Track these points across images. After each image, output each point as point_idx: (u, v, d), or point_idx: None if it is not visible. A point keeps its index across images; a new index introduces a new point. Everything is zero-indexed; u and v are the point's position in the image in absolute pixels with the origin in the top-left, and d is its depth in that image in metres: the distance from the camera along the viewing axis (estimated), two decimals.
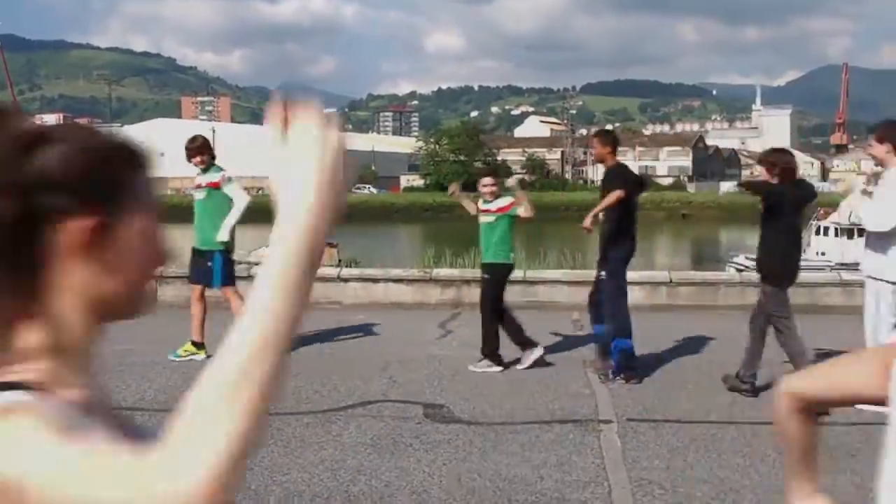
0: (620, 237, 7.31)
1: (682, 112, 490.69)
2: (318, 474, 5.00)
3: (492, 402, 6.54)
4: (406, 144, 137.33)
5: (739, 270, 18.30)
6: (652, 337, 8.41)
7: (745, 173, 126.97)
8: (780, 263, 6.71)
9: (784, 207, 6.62)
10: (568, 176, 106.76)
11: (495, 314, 7.67)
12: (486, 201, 7.88)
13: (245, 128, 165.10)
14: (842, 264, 25.85)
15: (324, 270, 12.72)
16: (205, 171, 8.08)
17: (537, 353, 7.64)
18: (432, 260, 15.56)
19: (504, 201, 7.83)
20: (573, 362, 7.88)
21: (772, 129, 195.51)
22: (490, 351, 7.64)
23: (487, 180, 7.92)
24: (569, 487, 4.80)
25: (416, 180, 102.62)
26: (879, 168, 6.43)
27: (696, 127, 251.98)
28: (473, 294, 11.23)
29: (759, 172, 7.11)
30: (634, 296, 11.02)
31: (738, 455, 5.34)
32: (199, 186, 8.12)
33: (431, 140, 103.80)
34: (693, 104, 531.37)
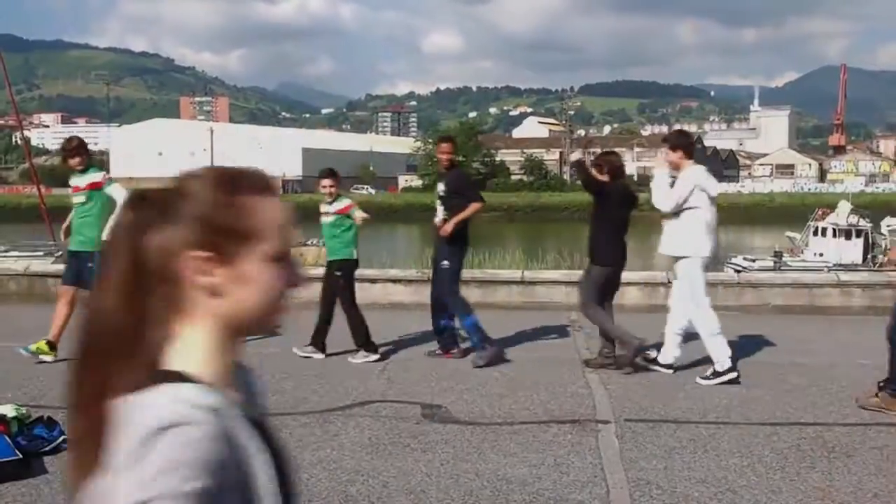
0: (462, 233, 8.08)
1: (680, 113, 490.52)
2: (315, 474, 5.00)
3: (490, 402, 6.54)
4: (404, 145, 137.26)
5: (737, 271, 18.30)
6: (650, 337, 8.41)
7: (744, 174, 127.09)
8: (610, 250, 7.70)
9: (612, 201, 7.67)
10: (566, 177, 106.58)
11: (353, 306, 8.09)
12: (327, 202, 8.19)
13: (243, 128, 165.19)
14: (839, 265, 25.88)
15: (321, 271, 12.71)
16: (83, 172, 7.89)
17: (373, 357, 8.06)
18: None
19: (342, 203, 8.17)
20: (571, 362, 7.88)
21: (770, 130, 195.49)
22: (364, 340, 8.02)
23: (327, 182, 8.19)
24: (567, 488, 4.80)
25: (415, 181, 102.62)
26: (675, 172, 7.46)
27: (694, 128, 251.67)
28: (471, 294, 11.24)
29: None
30: (633, 296, 11.06)
31: (736, 455, 5.34)
32: (77, 189, 7.88)
33: (430, 141, 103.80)
34: (691, 105, 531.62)
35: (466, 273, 11.51)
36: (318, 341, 8.11)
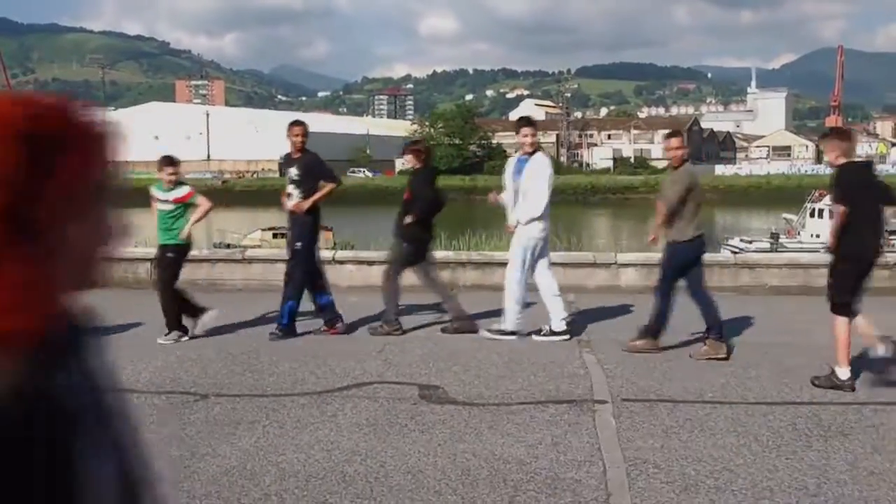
0: (316, 216, 8.43)
1: (677, 95, 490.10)
2: (313, 455, 5.02)
3: (487, 383, 6.56)
4: (401, 128, 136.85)
5: (734, 252, 18.32)
6: (646, 317, 8.41)
7: (741, 156, 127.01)
8: (419, 229, 8.40)
9: (427, 182, 8.55)
10: (563, 159, 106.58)
11: (174, 289, 8.15)
12: (164, 189, 8.16)
13: (239, 111, 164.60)
14: None
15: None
16: None
17: (212, 315, 8.20)
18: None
19: (181, 191, 8.18)
20: (568, 343, 7.89)
21: (767, 111, 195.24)
22: (175, 321, 8.06)
23: (171, 169, 8.21)
24: (563, 467, 4.82)
25: None
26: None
27: (691, 110, 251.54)
28: (468, 276, 11.26)
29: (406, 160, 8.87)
30: (630, 276, 11.08)
31: (732, 434, 5.36)
32: None
33: (426, 123, 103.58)
34: (688, 87, 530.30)
35: (464, 255, 11.60)
36: (179, 322, 8.14)
